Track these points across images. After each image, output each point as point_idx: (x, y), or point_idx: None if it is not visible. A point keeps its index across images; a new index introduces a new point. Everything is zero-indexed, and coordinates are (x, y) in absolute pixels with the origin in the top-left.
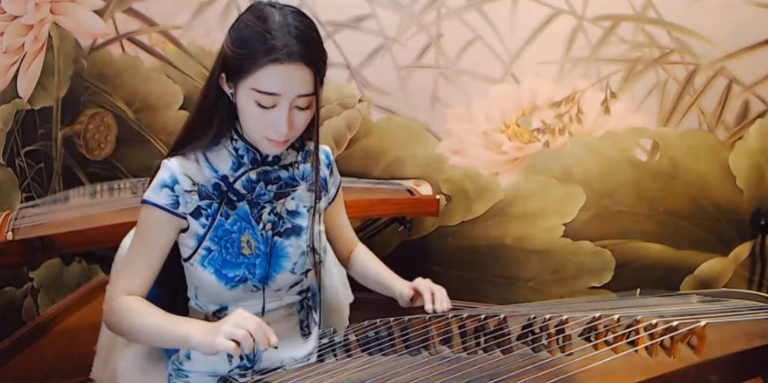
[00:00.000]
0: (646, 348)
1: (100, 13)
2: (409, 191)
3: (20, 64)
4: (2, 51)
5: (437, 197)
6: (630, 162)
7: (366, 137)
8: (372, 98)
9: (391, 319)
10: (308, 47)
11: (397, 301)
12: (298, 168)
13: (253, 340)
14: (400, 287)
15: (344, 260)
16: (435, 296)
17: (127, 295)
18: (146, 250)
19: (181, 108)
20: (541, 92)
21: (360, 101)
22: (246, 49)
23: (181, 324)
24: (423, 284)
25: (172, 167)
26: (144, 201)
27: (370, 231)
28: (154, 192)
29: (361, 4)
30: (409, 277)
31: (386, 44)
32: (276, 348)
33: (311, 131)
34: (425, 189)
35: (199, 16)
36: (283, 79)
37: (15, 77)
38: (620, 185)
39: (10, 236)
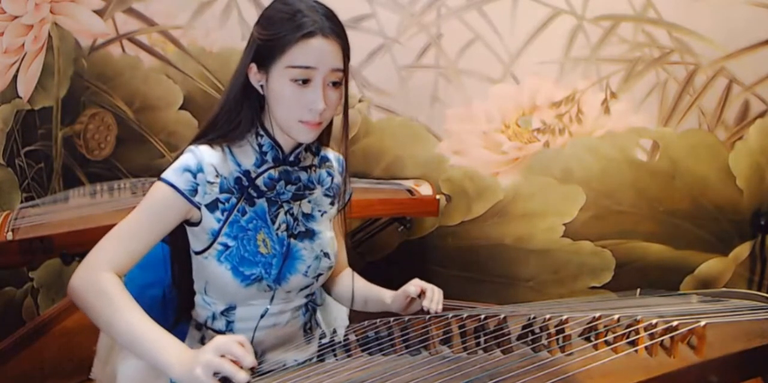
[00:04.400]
0: (646, 348)
1: (100, 13)
2: (409, 191)
3: (20, 64)
4: (2, 51)
5: (437, 197)
6: (630, 162)
7: (366, 137)
8: (372, 97)
9: (391, 319)
10: (336, 24)
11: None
12: (315, 172)
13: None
14: (394, 293)
15: (327, 284)
16: (435, 296)
17: (111, 271)
18: (147, 227)
19: (181, 108)
20: (541, 92)
21: (360, 101)
22: (278, 29)
23: (163, 343)
24: (427, 284)
25: (199, 154)
26: (161, 179)
27: (370, 231)
28: (175, 173)
29: (361, 4)
30: (409, 277)
31: (386, 44)
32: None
33: (327, 134)
34: (425, 189)
35: (199, 16)
36: (316, 52)
37: (15, 77)
38: (620, 185)
39: (10, 236)
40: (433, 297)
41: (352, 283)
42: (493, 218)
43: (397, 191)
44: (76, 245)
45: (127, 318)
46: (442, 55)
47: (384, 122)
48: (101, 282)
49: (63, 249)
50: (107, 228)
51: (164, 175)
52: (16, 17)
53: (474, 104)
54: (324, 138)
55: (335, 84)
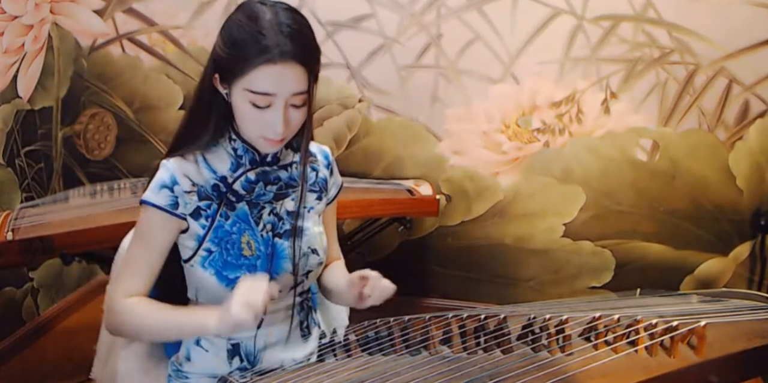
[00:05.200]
0: (646, 348)
1: (100, 13)
2: (409, 191)
3: (20, 64)
4: (2, 51)
5: (437, 197)
6: (630, 162)
7: (366, 137)
8: (372, 98)
9: (391, 319)
10: (300, 46)
11: (393, 302)
12: (296, 169)
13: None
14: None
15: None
16: (375, 283)
17: (128, 297)
18: (146, 251)
19: (181, 108)
20: (541, 92)
21: (360, 101)
22: (238, 50)
23: (194, 314)
24: (371, 273)
25: (171, 167)
26: (143, 202)
27: (370, 231)
28: (153, 193)
29: (361, 4)
30: (410, 277)
31: (386, 44)
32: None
33: (310, 130)
34: (425, 189)
35: (199, 16)
36: (276, 79)
37: (15, 77)
38: (620, 185)
39: (10, 236)
40: (374, 285)
41: (333, 272)
42: (493, 218)
43: (397, 191)
44: (76, 245)
45: (161, 315)
46: (442, 55)
47: (384, 122)
48: (126, 307)
49: (63, 249)
50: (107, 228)
51: (144, 197)
52: (16, 17)
53: (474, 104)
54: (306, 133)
55: (299, 104)
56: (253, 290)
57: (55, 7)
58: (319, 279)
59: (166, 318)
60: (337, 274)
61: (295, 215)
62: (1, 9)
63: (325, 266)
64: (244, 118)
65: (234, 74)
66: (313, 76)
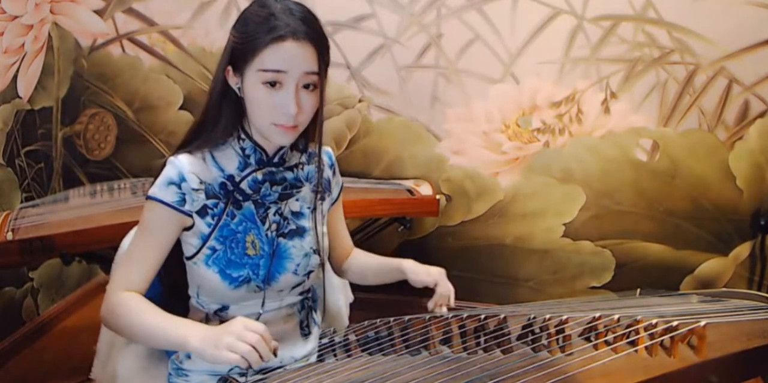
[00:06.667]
0: (646, 348)
1: (100, 13)
2: (409, 191)
3: (20, 64)
4: (2, 51)
5: (437, 197)
6: (630, 162)
7: (366, 137)
8: (372, 98)
9: (391, 319)
10: (310, 27)
11: (393, 302)
12: (302, 169)
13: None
14: (414, 269)
15: (338, 267)
16: (445, 302)
17: (126, 291)
18: (149, 246)
19: (181, 108)
20: (541, 92)
21: (360, 101)
22: (250, 32)
23: (180, 326)
24: (445, 288)
25: (179, 164)
26: (149, 197)
27: (370, 231)
28: (160, 189)
29: (361, 4)
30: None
31: (386, 44)
32: (275, 356)
33: (314, 131)
34: (425, 189)
35: (199, 16)
36: (287, 55)
37: (15, 77)
38: (620, 185)
39: (10, 236)
40: (439, 301)
41: (362, 260)
42: (493, 218)
43: (397, 191)
44: (76, 245)
45: (148, 317)
46: (442, 55)
47: (384, 122)
48: (120, 300)
49: (63, 249)
50: (107, 228)
51: (151, 192)
52: (16, 17)
53: (474, 104)
54: (311, 134)
55: (311, 87)
56: (249, 336)
57: (55, 7)
58: (348, 270)
59: (153, 321)
60: (367, 259)
61: (316, 212)
62: (1, 9)
63: (342, 259)
64: (257, 104)
65: (246, 57)
66: (323, 62)
